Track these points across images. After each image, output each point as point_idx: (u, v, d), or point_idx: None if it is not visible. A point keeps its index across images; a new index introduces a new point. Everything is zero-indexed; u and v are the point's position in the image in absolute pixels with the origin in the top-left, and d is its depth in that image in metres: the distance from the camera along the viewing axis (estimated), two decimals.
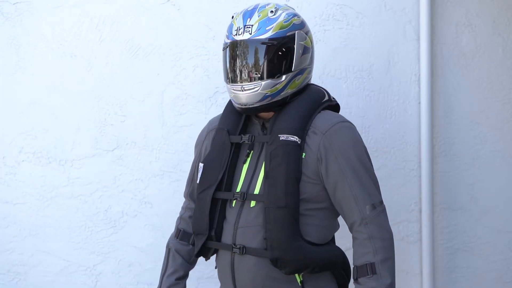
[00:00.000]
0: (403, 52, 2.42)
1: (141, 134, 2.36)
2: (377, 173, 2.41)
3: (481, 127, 2.47)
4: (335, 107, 1.78)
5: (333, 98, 1.77)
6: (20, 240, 2.34)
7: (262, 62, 1.64)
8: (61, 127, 2.34)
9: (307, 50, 1.69)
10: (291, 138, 1.60)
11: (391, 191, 2.43)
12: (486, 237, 2.48)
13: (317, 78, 2.39)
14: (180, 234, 1.84)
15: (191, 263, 1.86)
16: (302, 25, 1.70)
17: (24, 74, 2.34)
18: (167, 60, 2.36)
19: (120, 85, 2.35)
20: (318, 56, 2.38)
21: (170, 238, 1.88)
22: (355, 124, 2.39)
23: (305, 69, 1.70)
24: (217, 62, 2.34)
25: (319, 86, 1.78)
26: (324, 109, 1.70)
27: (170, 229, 2.36)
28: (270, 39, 1.63)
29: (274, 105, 1.67)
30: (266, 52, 1.63)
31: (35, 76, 2.34)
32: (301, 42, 1.67)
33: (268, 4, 1.70)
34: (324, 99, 1.71)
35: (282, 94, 1.66)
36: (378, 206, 1.61)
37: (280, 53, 1.64)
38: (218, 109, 2.35)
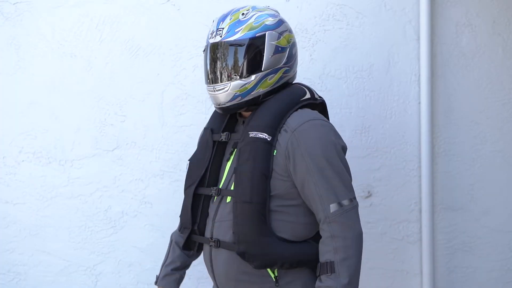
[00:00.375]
0: (403, 52, 2.42)
1: (141, 134, 2.36)
2: (377, 173, 2.44)
3: (481, 127, 2.47)
4: (319, 106, 1.77)
5: (319, 97, 1.77)
6: (20, 240, 2.34)
7: (231, 63, 1.70)
8: (61, 127, 2.34)
9: (280, 49, 1.70)
10: (260, 135, 1.63)
11: (391, 191, 2.43)
12: (486, 237, 2.48)
13: (317, 78, 2.39)
14: (181, 228, 1.88)
15: (191, 256, 1.90)
16: (276, 26, 1.71)
17: (24, 74, 2.34)
18: (167, 60, 2.36)
19: (120, 85, 2.35)
20: (318, 56, 2.39)
21: (174, 230, 1.94)
22: (355, 124, 2.41)
23: (280, 69, 1.70)
24: None
25: (303, 85, 1.77)
26: (304, 107, 1.70)
27: (170, 229, 2.36)
28: (237, 40, 1.69)
29: (247, 104, 1.71)
30: (234, 54, 1.69)
31: (35, 76, 2.34)
32: (273, 42, 1.69)
33: (244, 7, 1.75)
34: (304, 98, 1.71)
35: (252, 93, 1.69)
36: (345, 205, 1.59)
37: (248, 53, 1.68)
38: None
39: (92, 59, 2.35)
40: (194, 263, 2.38)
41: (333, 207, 1.58)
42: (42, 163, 2.34)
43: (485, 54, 2.46)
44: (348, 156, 2.38)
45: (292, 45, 1.74)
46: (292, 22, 2.37)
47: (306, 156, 1.60)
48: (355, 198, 1.63)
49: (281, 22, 1.73)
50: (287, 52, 1.72)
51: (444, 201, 2.45)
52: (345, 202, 1.60)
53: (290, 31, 1.75)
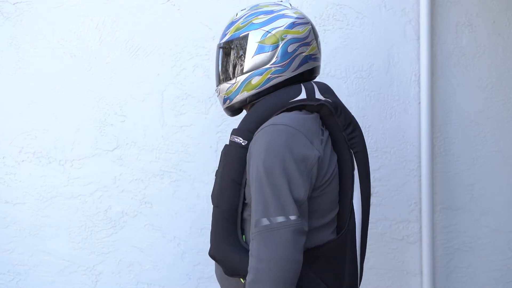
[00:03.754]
0: (403, 52, 2.42)
1: (141, 134, 2.36)
2: (377, 173, 2.44)
3: (481, 127, 2.47)
4: (323, 108, 1.57)
5: (319, 98, 1.57)
6: (20, 240, 2.34)
7: (220, 66, 1.67)
8: (61, 127, 2.34)
9: (263, 48, 1.58)
10: (236, 139, 1.53)
11: (391, 191, 2.43)
12: (486, 237, 2.48)
13: (317, 78, 2.38)
14: None
15: None
16: (264, 24, 1.59)
17: (24, 74, 2.34)
18: (167, 60, 2.36)
19: (120, 85, 2.35)
20: None
21: None
22: None
23: (267, 69, 1.58)
24: None
25: (310, 83, 1.60)
26: (294, 109, 1.55)
27: (170, 229, 2.36)
28: (224, 42, 1.65)
29: (235, 108, 1.66)
30: (223, 56, 1.66)
31: (35, 76, 2.34)
32: (255, 41, 1.58)
33: (246, 8, 1.68)
34: (295, 99, 1.55)
35: (238, 96, 1.62)
36: (272, 223, 1.38)
37: (232, 55, 1.63)
38: (218, 109, 2.35)
39: (92, 59, 2.35)
40: (194, 263, 2.39)
41: (257, 222, 1.40)
42: (42, 163, 2.34)
43: (485, 54, 2.46)
44: None
45: (288, 42, 1.58)
46: None
47: (253, 165, 1.45)
48: (291, 218, 1.39)
49: (275, 18, 1.59)
50: (278, 51, 1.58)
51: (444, 201, 2.45)
52: (273, 219, 1.39)
53: (289, 27, 1.59)
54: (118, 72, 2.35)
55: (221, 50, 1.67)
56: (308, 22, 1.65)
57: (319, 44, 1.70)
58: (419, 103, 2.42)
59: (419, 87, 2.42)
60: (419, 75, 2.42)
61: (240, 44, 1.61)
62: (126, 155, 2.35)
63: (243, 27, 1.62)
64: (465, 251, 2.47)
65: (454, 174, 2.46)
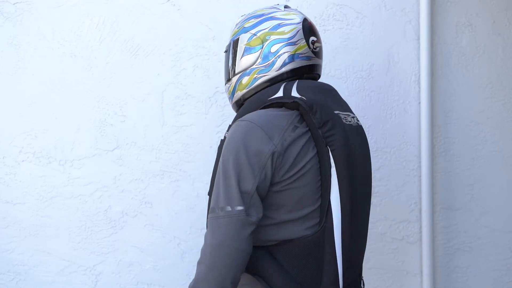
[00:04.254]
0: (403, 52, 2.42)
1: (141, 134, 2.36)
2: (377, 173, 2.44)
3: (481, 127, 2.47)
4: (295, 105, 1.59)
5: (294, 96, 1.60)
6: (20, 240, 2.34)
7: (224, 68, 1.82)
8: (61, 127, 2.34)
9: (250, 50, 1.69)
10: (225, 135, 1.66)
11: (391, 191, 2.43)
12: (486, 237, 2.48)
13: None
14: None
15: None
16: (252, 27, 1.70)
17: (24, 74, 2.34)
18: (167, 60, 2.36)
19: (120, 85, 2.35)
20: None
21: None
22: None
23: (253, 69, 1.69)
24: (217, 62, 2.34)
25: (287, 83, 1.64)
26: (270, 106, 1.62)
27: (170, 229, 2.36)
28: (226, 46, 1.81)
29: (238, 105, 1.77)
30: (225, 59, 1.82)
31: (35, 76, 2.34)
32: (243, 44, 1.71)
33: (246, 14, 1.82)
34: (272, 97, 1.62)
35: (235, 96, 1.76)
36: (219, 211, 1.50)
37: (229, 58, 1.77)
38: (218, 109, 2.35)
39: (92, 59, 2.35)
40: (194, 263, 2.39)
41: (210, 210, 1.53)
42: (42, 163, 2.34)
43: (485, 54, 2.46)
44: None
45: (271, 43, 1.67)
46: None
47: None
48: (236, 208, 1.49)
49: (262, 21, 1.70)
50: (261, 52, 1.68)
51: (444, 201, 2.45)
52: (221, 209, 1.50)
53: (274, 29, 1.68)
54: (118, 72, 2.35)
55: (225, 53, 1.82)
56: (296, 23, 1.71)
57: (316, 42, 1.72)
58: (419, 103, 2.42)
59: (419, 87, 2.42)
60: (419, 75, 2.42)
61: (234, 47, 1.75)
62: (126, 155, 2.35)
63: (237, 31, 1.76)
64: (465, 251, 2.47)
65: (454, 174, 2.46)
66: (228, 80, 1.78)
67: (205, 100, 2.36)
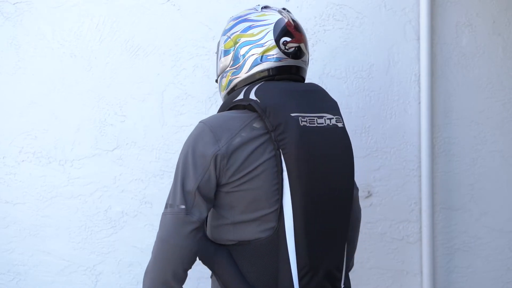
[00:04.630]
0: (403, 52, 2.42)
1: (141, 134, 2.36)
2: (377, 173, 2.44)
3: (481, 127, 2.47)
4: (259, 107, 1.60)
5: (251, 98, 1.60)
6: (20, 240, 2.34)
7: None
8: (61, 127, 2.34)
9: (225, 52, 1.72)
10: None
11: (391, 191, 2.43)
12: (486, 237, 2.48)
13: (317, 78, 2.39)
14: None
15: None
16: (229, 29, 1.72)
17: (24, 74, 2.34)
18: (167, 60, 2.36)
19: (120, 85, 2.35)
20: (318, 56, 2.39)
21: None
22: (355, 124, 2.41)
23: (228, 71, 1.71)
24: None
25: (250, 87, 1.63)
26: (233, 108, 1.66)
27: None
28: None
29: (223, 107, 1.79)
30: None
31: (35, 76, 2.34)
32: (221, 47, 1.74)
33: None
34: (236, 99, 1.65)
35: (220, 96, 1.80)
36: (166, 208, 1.59)
37: (216, 60, 1.81)
38: (218, 109, 2.35)
39: (92, 59, 2.35)
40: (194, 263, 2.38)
41: (164, 206, 1.62)
42: (42, 163, 2.34)
43: (485, 54, 2.46)
44: None
45: (240, 46, 1.68)
46: None
47: None
48: (179, 207, 1.57)
49: (237, 23, 1.71)
50: (233, 54, 1.69)
51: (444, 201, 2.45)
52: (169, 205, 1.59)
53: (244, 31, 1.68)
54: (118, 72, 2.35)
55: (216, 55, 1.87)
56: (268, 24, 1.67)
57: (289, 43, 1.66)
58: (419, 103, 2.42)
59: (419, 87, 2.42)
60: (419, 75, 2.42)
61: (216, 49, 1.80)
62: (126, 155, 2.35)
63: (222, 34, 1.77)
64: (465, 251, 2.47)
65: (454, 174, 2.46)
66: (216, 81, 1.82)
67: (205, 100, 2.36)
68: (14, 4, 2.34)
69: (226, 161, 1.55)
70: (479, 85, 2.47)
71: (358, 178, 2.40)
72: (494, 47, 2.47)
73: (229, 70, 1.70)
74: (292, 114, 1.56)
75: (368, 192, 2.42)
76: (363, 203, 2.41)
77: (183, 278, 1.60)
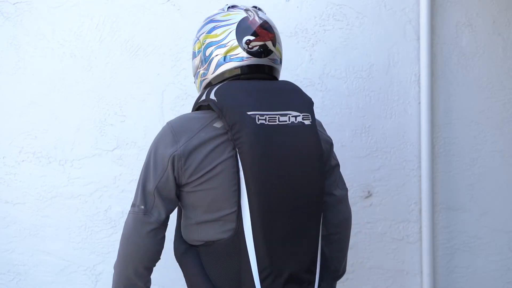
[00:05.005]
0: (403, 52, 2.42)
1: (141, 134, 2.36)
2: (377, 173, 2.44)
3: (481, 127, 2.47)
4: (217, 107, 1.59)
5: (211, 98, 1.58)
6: (20, 240, 2.34)
7: None
8: (61, 127, 2.34)
9: (194, 54, 1.72)
10: None
11: (391, 191, 2.43)
12: (486, 237, 2.48)
13: (317, 78, 2.39)
14: None
15: None
16: (198, 30, 1.72)
17: (24, 74, 2.34)
18: (167, 60, 2.36)
19: (120, 85, 2.35)
20: (318, 56, 2.39)
21: None
22: (355, 124, 2.41)
23: (198, 73, 1.71)
24: None
25: (211, 88, 1.62)
26: (200, 108, 1.67)
27: (170, 229, 2.35)
28: None
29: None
30: None
31: (35, 76, 2.34)
32: (192, 49, 1.75)
33: None
34: (200, 100, 1.64)
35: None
36: (131, 207, 1.63)
37: None
38: None
39: (92, 59, 2.35)
40: None
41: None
42: (42, 163, 2.34)
43: (485, 54, 2.46)
44: (348, 156, 2.39)
45: (206, 47, 1.67)
46: (292, 22, 2.38)
47: None
48: (139, 206, 1.60)
49: (206, 24, 1.70)
50: (201, 55, 1.68)
51: (444, 201, 2.45)
52: (132, 204, 1.62)
53: (209, 32, 1.67)
54: (118, 72, 2.35)
55: None
56: (230, 24, 1.65)
57: (253, 41, 1.63)
58: (419, 103, 2.42)
59: (419, 87, 2.42)
60: (419, 75, 2.42)
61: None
62: (126, 155, 2.35)
63: None
64: (465, 251, 2.47)
65: (454, 174, 2.46)
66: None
67: None
68: (14, 4, 2.34)
69: (184, 162, 1.56)
70: (479, 85, 2.47)
71: (358, 178, 2.40)
72: (494, 47, 2.47)
73: (199, 71, 1.70)
74: (249, 113, 1.52)
75: (368, 192, 2.42)
76: (363, 203, 2.41)
77: (144, 275, 1.64)
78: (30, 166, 2.34)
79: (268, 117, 1.53)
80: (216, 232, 1.57)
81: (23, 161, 2.34)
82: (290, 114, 1.56)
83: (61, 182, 2.34)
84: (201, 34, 1.69)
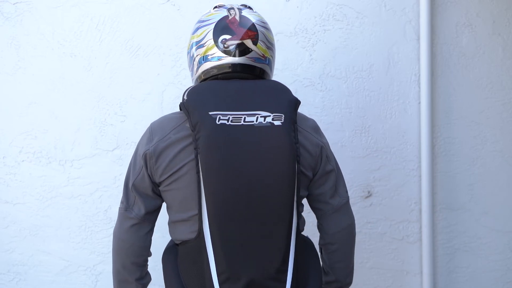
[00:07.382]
0: (403, 52, 2.42)
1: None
2: (377, 173, 2.44)
3: (481, 127, 2.47)
4: (184, 107, 1.58)
5: (183, 98, 1.58)
6: (20, 240, 2.34)
7: None
8: (61, 127, 2.34)
9: (187, 55, 1.72)
10: None
11: (391, 191, 2.43)
12: (486, 237, 2.48)
13: (317, 78, 2.39)
14: None
15: None
16: (191, 32, 1.69)
17: (24, 74, 2.34)
18: (167, 60, 2.36)
19: (120, 85, 2.35)
20: (318, 56, 2.39)
21: None
22: (355, 124, 2.41)
23: (190, 73, 1.72)
24: None
25: (190, 88, 1.61)
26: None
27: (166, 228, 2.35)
28: None
29: None
30: None
31: (35, 76, 2.34)
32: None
33: None
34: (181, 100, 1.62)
35: None
36: (120, 206, 1.67)
37: None
38: None
39: (92, 59, 2.35)
40: None
41: None
42: (42, 163, 2.34)
43: (485, 54, 2.46)
44: (348, 156, 2.40)
45: (191, 47, 1.67)
46: (292, 22, 2.38)
47: None
48: (123, 202, 1.65)
49: (195, 25, 1.68)
50: (189, 56, 1.69)
51: (444, 201, 2.45)
52: (120, 202, 1.66)
53: (193, 32, 1.67)
54: (118, 72, 2.35)
55: None
56: (209, 24, 1.64)
57: (229, 40, 1.61)
58: (419, 103, 2.42)
59: (419, 87, 2.42)
60: (419, 75, 2.42)
61: None
62: (126, 155, 2.35)
63: None
64: (465, 251, 2.47)
65: (454, 174, 2.46)
66: None
67: None
68: (14, 4, 2.34)
69: (155, 161, 1.57)
70: (479, 85, 2.47)
71: (358, 178, 2.40)
72: (494, 47, 2.47)
73: (190, 72, 1.72)
74: (210, 113, 1.48)
75: (368, 192, 2.42)
76: (363, 203, 2.41)
77: (133, 270, 1.66)
78: (30, 166, 2.34)
79: (232, 117, 1.49)
80: (186, 232, 1.58)
81: (23, 161, 2.34)
82: (259, 114, 1.51)
83: (61, 182, 2.34)
84: (191, 35, 1.69)
